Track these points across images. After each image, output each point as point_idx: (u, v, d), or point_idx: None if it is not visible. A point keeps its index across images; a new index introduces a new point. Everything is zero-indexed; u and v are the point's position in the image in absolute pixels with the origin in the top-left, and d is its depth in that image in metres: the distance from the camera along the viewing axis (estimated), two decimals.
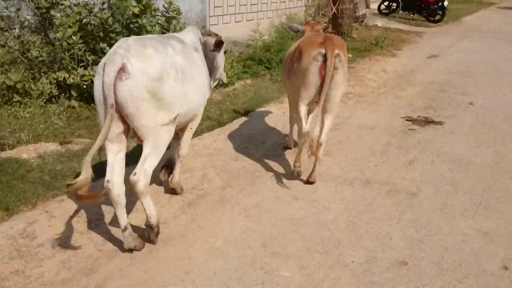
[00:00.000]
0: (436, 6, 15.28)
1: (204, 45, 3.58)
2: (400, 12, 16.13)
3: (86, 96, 5.84)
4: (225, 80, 4.06)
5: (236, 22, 9.81)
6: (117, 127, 2.84)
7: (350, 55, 9.54)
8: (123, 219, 2.94)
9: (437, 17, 15.46)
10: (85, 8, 6.18)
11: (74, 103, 5.97)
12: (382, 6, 16.41)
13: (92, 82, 4.10)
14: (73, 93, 5.95)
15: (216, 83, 3.92)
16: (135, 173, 2.87)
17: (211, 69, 3.64)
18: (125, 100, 2.71)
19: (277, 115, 5.82)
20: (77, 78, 5.86)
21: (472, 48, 11.07)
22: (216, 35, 3.69)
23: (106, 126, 2.69)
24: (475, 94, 6.98)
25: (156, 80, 2.78)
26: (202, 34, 3.66)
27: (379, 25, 13.87)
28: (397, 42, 11.46)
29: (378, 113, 5.98)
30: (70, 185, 2.62)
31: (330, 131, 4.15)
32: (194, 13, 8.71)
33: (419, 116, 5.85)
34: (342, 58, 3.77)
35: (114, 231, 3.24)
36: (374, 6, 17.50)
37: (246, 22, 9.93)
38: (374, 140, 5.01)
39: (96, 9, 6.30)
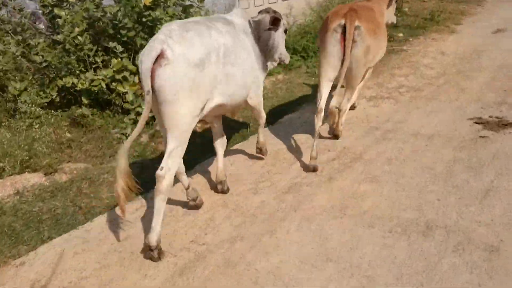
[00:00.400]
0: None
1: (258, 24, 3.39)
2: None
3: (100, 101, 5.07)
4: (287, 61, 3.73)
5: (270, 3, 8.70)
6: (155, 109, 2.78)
7: (401, 34, 8.25)
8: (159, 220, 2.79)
9: None
10: (93, 3, 5.37)
11: (85, 111, 5.20)
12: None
13: (103, 86, 4.55)
14: (84, 100, 5.18)
15: (276, 63, 3.67)
16: (162, 168, 2.74)
17: (266, 49, 3.43)
18: (163, 86, 2.61)
19: (312, 123, 4.69)
20: (86, 83, 5.07)
21: None
22: (274, 12, 3.44)
23: (144, 113, 2.63)
24: None
25: (197, 66, 2.68)
26: (258, 13, 3.47)
27: None
28: (455, 14, 9.95)
29: (439, 114, 4.78)
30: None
31: (350, 102, 4.17)
32: None
33: (491, 117, 4.60)
34: (362, 31, 3.69)
35: None
36: None
37: (281, 2, 8.80)
38: (435, 156, 3.85)
39: (105, 3, 5.51)
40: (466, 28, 8.75)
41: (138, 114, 4.86)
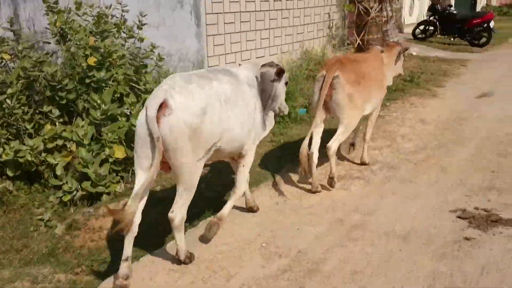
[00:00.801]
0: (481, 28, 13.14)
1: (262, 76, 3.55)
2: (439, 36, 14.11)
3: (28, 174, 4.36)
4: (286, 112, 3.90)
5: (243, 60, 8.14)
6: (148, 154, 2.83)
7: None
8: (129, 248, 2.93)
9: (483, 41, 13.30)
10: (32, 61, 4.73)
11: (9, 185, 4.45)
12: (417, 31, 14.39)
13: (28, 158, 4.11)
14: (9, 172, 4.41)
15: (277, 114, 3.84)
16: (172, 211, 2.99)
17: (268, 100, 3.55)
18: (166, 134, 2.75)
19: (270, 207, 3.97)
20: (11, 153, 4.33)
21: None
22: (277, 65, 3.63)
23: (156, 159, 2.74)
24: None
25: (197, 116, 2.83)
26: (262, 66, 3.62)
27: (414, 53, 11.88)
28: (437, 75, 9.46)
29: (416, 202, 4.05)
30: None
31: (339, 141, 4.31)
32: (189, 54, 7.10)
33: (478, 209, 3.87)
34: (340, 80, 4.09)
35: None
36: (408, 30, 15.54)
37: (255, 60, 8.24)
38: (410, 268, 3.06)
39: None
40: (449, 91, 8.23)
41: (69, 192, 4.13)
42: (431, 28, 14.13)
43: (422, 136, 5.85)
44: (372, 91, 4.45)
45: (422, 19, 15.13)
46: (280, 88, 3.67)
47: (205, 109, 2.86)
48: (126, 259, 2.90)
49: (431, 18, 13.91)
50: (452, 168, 4.79)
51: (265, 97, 3.51)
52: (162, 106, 2.72)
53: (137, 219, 2.90)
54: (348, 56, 4.80)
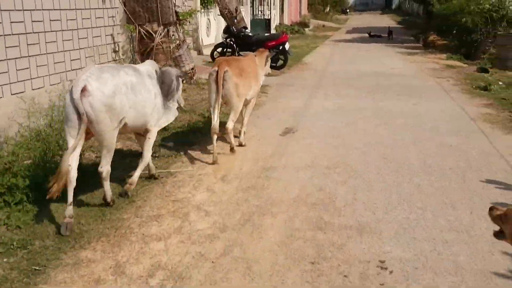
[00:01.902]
0: (277, 51, 12.71)
1: (164, 73, 4.74)
2: None
3: None
4: (182, 104, 5.23)
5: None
6: (76, 127, 3.80)
7: (170, 144, 6.10)
8: (71, 196, 3.86)
9: (280, 63, 12.90)
10: None
11: None
12: (215, 53, 13.42)
13: None
14: None
15: (176, 105, 4.96)
16: (101, 166, 4.11)
17: (168, 92, 4.73)
18: (88, 110, 3.74)
19: None
20: None
21: (333, 108, 8.43)
22: (175, 67, 5.90)
23: (82, 130, 3.76)
24: (389, 238, 3.93)
25: (110, 97, 3.85)
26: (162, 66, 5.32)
27: None
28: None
29: None
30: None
31: (233, 121, 5.74)
32: None
33: None
34: (228, 74, 5.45)
35: None
36: (207, 51, 14.51)
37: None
38: None
39: None
40: (251, 127, 7.10)
41: None
42: (229, 50, 13.28)
43: (222, 206, 4.40)
44: (251, 82, 5.94)
45: (221, 40, 14.27)
46: (178, 85, 4.82)
47: (115, 92, 3.89)
48: (70, 204, 3.86)
49: (228, 40, 13.05)
50: (260, 266, 3.39)
51: (165, 88, 4.66)
52: (83, 90, 3.71)
53: (74, 174, 3.84)
54: (231, 58, 6.66)
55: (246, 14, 20.61)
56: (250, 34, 12.86)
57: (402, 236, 3.83)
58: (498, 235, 2.38)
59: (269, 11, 22.98)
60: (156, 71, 4.64)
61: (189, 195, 4.67)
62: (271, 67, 12.91)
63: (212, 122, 5.51)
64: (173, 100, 4.84)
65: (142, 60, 7.72)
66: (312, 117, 7.80)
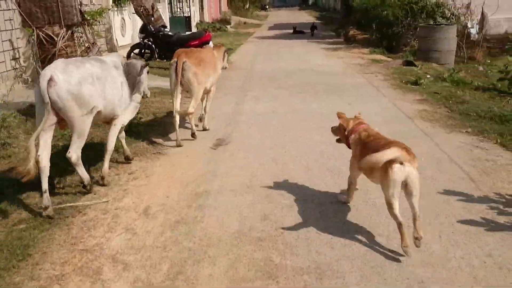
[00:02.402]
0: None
1: (129, 65, 4.94)
2: (158, 60, 12.27)
3: None
4: (148, 95, 5.36)
5: None
6: (51, 120, 4.01)
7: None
8: (45, 184, 4.02)
9: None
10: None
11: None
12: (132, 55, 12.26)
13: None
14: None
15: (142, 95, 5.13)
16: (69, 152, 4.23)
17: (134, 83, 4.91)
18: (55, 99, 3.94)
19: None
20: None
21: (265, 111, 7.69)
22: (141, 59, 6.18)
23: (45, 118, 3.92)
24: (355, 283, 3.21)
25: (75, 85, 4.03)
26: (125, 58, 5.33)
27: None
28: (165, 118, 7.39)
29: None
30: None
31: (194, 107, 6.06)
32: None
33: None
34: (187, 64, 5.82)
35: None
36: (124, 52, 13.26)
37: None
38: None
39: None
40: (170, 144, 6.15)
41: None
42: (148, 51, 12.17)
43: (145, 254, 3.46)
44: (209, 71, 6.33)
45: (138, 41, 13.08)
46: (143, 77, 5.06)
47: (80, 81, 4.07)
48: (45, 191, 4.02)
49: (145, 40, 11.93)
50: None
51: (132, 79, 4.89)
52: (49, 80, 3.89)
53: (47, 163, 4.04)
54: (190, 50, 6.38)
55: (164, 12, 19.42)
56: (170, 33, 11.84)
57: (369, 278, 3.12)
58: (338, 141, 4.19)
59: (188, 9, 21.89)
60: (121, 62, 4.88)
61: (103, 240, 3.69)
62: None
63: (174, 106, 5.96)
64: (139, 92, 5.04)
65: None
66: (245, 124, 7.01)
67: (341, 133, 4.06)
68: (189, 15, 21.54)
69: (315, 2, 66.14)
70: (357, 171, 3.90)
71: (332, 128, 4.22)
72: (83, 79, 4.11)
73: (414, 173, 3.21)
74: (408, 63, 12.32)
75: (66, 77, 3.98)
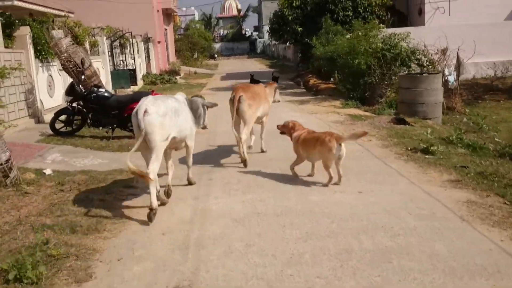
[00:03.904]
0: None
1: (191, 102, 5.89)
2: (92, 128, 9.40)
3: None
4: (207, 126, 6.24)
5: None
6: (144, 142, 4.97)
7: None
8: (154, 197, 4.95)
9: None
10: None
11: None
12: (57, 124, 9.34)
13: None
14: None
15: (201, 126, 6.05)
16: (148, 169, 4.93)
17: (196, 115, 5.85)
18: (146, 125, 4.87)
19: None
20: None
21: (244, 213, 4.97)
22: (201, 97, 6.34)
23: (139, 140, 4.90)
24: None
25: (161, 116, 4.99)
26: (192, 97, 6.22)
27: (48, 171, 6.70)
28: (80, 233, 4.55)
29: None
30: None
31: (246, 133, 6.94)
32: None
33: None
34: (243, 98, 6.84)
35: None
36: (50, 116, 10.30)
37: None
38: None
39: None
40: (105, 278, 3.34)
41: None
42: (78, 117, 9.30)
43: None
44: (261, 103, 7.31)
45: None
46: (204, 111, 5.97)
47: (165, 113, 5.04)
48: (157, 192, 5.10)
49: (74, 104, 9.09)
50: None
51: (194, 114, 5.82)
52: (144, 111, 4.88)
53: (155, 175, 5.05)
54: (246, 85, 7.91)
55: (104, 66, 16.63)
56: (106, 94, 9.03)
57: None
58: (282, 133, 6.51)
59: (133, 60, 19.21)
60: (187, 99, 5.87)
61: None
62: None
63: (235, 135, 6.91)
64: (199, 124, 5.96)
65: None
66: (216, 246, 4.26)
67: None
68: (134, 67, 18.83)
69: (263, 50, 65.35)
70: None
71: (279, 127, 6.57)
72: (167, 111, 5.09)
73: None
74: (399, 121, 10.12)
75: (155, 109, 4.96)
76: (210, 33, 55.36)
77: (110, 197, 5.72)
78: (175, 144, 5.50)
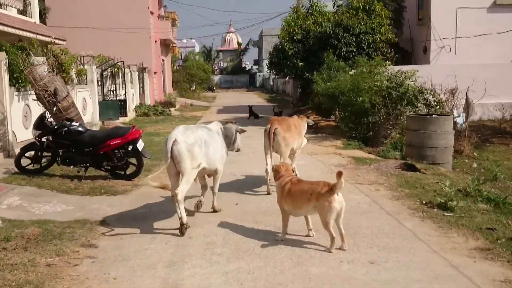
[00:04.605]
0: (124, 152, 8.06)
1: (227, 129, 6.40)
2: (62, 165, 8.33)
3: None
4: (241, 150, 6.91)
5: None
6: (171, 168, 5.50)
7: None
8: (183, 213, 5.41)
9: (130, 171, 8.24)
10: None
11: None
12: (24, 160, 8.30)
13: None
14: None
15: (236, 150, 6.69)
16: (177, 189, 5.36)
17: (229, 143, 6.40)
18: (176, 154, 5.32)
19: None
20: None
21: None
22: (236, 123, 6.81)
23: (167, 166, 5.49)
24: None
25: (190, 145, 5.39)
26: (226, 123, 6.73)
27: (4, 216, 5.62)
28: None
29: None
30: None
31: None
32: None
33: None
34: (278, 130, 7.12)
35: None
36: None
37: None
38: None
39: None
40: None
41: None
42: (49, 154, 8.26)
43: None
44: (295, 136, 7.53)
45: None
46: (238, 136, 6.56)
47: (194, 143, 5.44)
48: (180, 214, 5.38)
49: (44, 139, 8.06)
50: None
51: (228, 140, 6.33)
52: (174, 141, 5.33)
53: (182, 197, 5.42)
54: (281, 118, 8.05)
55: (92, 95, 15.72)
56: (79, 128, 8.01)
57: None
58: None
59: (124, 91, 18.33)
60: (221, 128, 6.34)
61: None
62: (116, 176, 8.26)
63: (266, 166, 7.17)
64: (233, 148, 6.58)
65: None
66: None
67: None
68: (125, 98, 17.92)
69: (263, 84, 65.06)
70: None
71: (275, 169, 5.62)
72: (195, 141, 5.46)
73: None
74: (409, 167, 9.10)
75: (184, 139, 5.38)
76: (209, 65, 55.01)
77: (61, 260, 4.61)
78: (205, 172, 5.96)
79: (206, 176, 6.32)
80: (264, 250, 4.97)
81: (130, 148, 7.91)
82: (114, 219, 6.08)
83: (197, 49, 70.24)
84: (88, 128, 8.53)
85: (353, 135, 13.61)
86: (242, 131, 6.65)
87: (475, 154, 13.76)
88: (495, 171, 10.36)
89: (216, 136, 6.00)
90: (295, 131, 7.50)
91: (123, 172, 8.18)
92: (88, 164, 8.05)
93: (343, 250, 4.86)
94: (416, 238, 5.28)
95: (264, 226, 5.74)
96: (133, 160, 8.24)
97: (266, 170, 7.13)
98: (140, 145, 8.00)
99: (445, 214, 6.12)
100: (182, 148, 5.30)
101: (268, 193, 7.13)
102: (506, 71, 18.68)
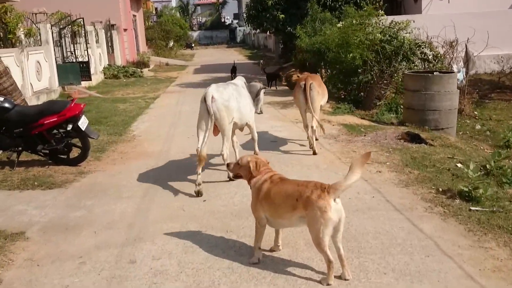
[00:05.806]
0: (64, 132, 6.41)
1: (250, 86, 6.37)
2: None
3: None
4: (263, 111, 6.87)
5: None
6: (204, 126, 5.44)
7: None
8: (200, 169, 5.37)
9: (74, 154, 6.61)
10: None
11: None
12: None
13: None
14: None
15: (258, 111, 6.54)
16: (222, 150, 5.53)
17: (254, 98, 6.33)
18: (215, 111, 5.36)
19: None
20: None
21: None
22: (259, 81, 6.70)
23: (210, 124, 5.37)
24: None
25: (226, 101, 5.47)
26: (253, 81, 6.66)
27: None
28: None
29: None
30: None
31: (317, 120, 6.89)
32: None
33: None
34: (314, 85, 6.90)
35: None
36: None
37: None
38: None
39: None
40: None
41: None
42: None
43: None
44: (324, 92, 7.51)
45: None
46: (261, 97, 6.47)
47: (228, 99, 5.51)
48: (199, 173, 5.30)
49: None
50: None
51: (253, 96, 6.29)
52: (212, 98, 5.34)
53: (205, 154, 5.43)
54: (313, 75, 7.60)
55: (48, 58, 13.74)
56: (5, 105, 6.28)
57: None
58: (236, 177, 4.10)
59: (86, 51, 16.27)
60: (244, 82, 6.34)
61: None
62: (57, 161, 6.59)
63: (304, 120, 7.23)
64: (257, 108, 6.44)
65: None
66: None
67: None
68: (87, 59, 15.91)
69: (243, 39, 62.33)
70: None
71: (230, 166, 4.10)
72: (229, 96, 5.55)
73: None
74: (413, 138, 7.61)
75: (220, 95, 5.44)
76: (186, 20, 52.08)
77: None
78: (235, 127, 5.96)
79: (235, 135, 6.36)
80: (237, 280, 3.48)
81: (69, 127, 6.24)
82: (38, 230, 4.53)
83: (173, 4, 66.56)
84: (16, 103, 6.76)
85: (343, 96, 12.05)
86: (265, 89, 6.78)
87: (475, 113, 12.39)
88: (507, 136, 8.97)
89: (244, 91, 6.10)
90: (324, 87, 7.64)
91: (64, 157, 6.54)
92: (20, 148, 6.39)
93: (345, 280, 3.41)
94: (442, 253, 3.84)
95: (237, 237, 4.24)
96: (78, 142, 6.59)
97: (307, 126, 7.12)
98: (83, 123, 6.32)
99: (472, 208, 4.69)
100: (220, 104, 5.40)
101: (314, 153, 6.99)
102: (504, 19, 17.07)
